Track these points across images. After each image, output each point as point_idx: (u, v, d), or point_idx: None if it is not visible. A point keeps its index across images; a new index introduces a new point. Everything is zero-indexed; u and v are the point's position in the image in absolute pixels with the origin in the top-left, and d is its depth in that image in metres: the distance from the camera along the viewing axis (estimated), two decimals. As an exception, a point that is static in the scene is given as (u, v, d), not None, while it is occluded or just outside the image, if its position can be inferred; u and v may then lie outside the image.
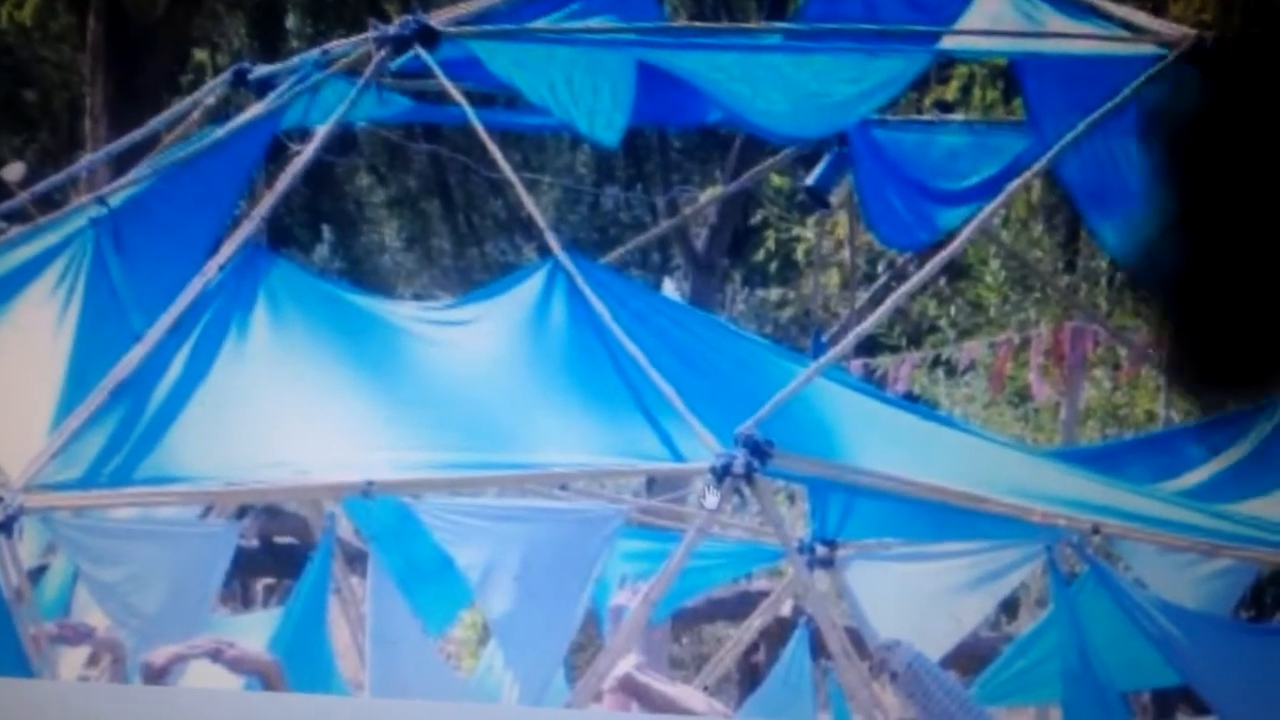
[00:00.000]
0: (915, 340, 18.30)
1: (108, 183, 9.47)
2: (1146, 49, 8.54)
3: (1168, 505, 8.15)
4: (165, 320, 7.75)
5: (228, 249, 8.01)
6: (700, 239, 22.46)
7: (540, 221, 8.50)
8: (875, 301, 12.13)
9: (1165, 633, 8.61)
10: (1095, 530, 7.85)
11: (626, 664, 7.56)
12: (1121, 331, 14.96)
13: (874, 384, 14.21)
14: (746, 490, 7.43)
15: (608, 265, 9.92)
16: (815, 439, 7.77)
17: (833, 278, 17.30)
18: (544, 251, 8.26)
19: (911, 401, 13.15)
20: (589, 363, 7.80)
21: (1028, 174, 8.84)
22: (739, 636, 10.97)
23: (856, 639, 8.96)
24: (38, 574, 8.51)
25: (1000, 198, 8.83)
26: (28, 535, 7.54)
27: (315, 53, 9.11)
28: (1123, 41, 8.68)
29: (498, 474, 7.85)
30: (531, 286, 8.01)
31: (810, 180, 10.49)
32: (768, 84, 8.86)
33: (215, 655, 7.31)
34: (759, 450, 7.32)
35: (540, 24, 8.75)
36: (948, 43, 9.08)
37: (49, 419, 7.80)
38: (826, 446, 7.81)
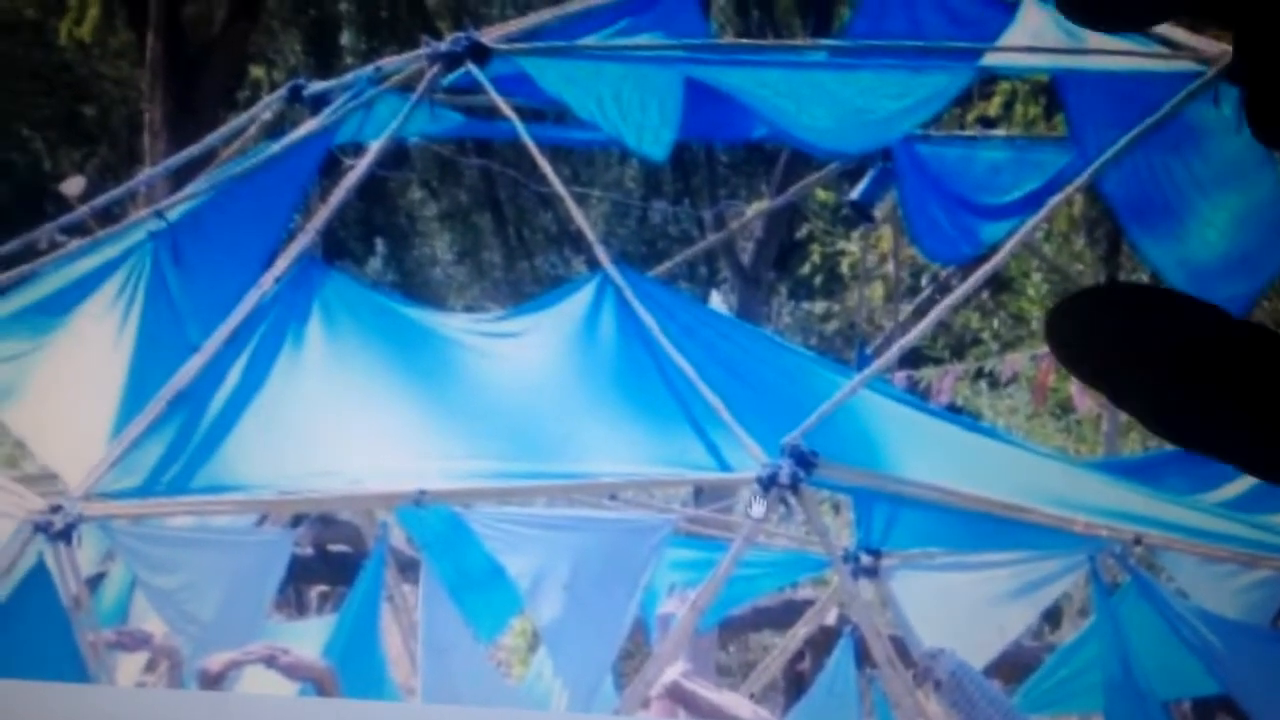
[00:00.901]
0: (958, 352, 18.32)
1: (166, 197, 9.60)
2: (1186, 65, 8.59)
3: (1208, 516, 8.18)
4: (222, 331, 7.86)
5: (283, 262, 8.12)
6: (747, 253, 22.53)
7: (589, 235, 8.58)
8: (919, 314, 12.19)
9: (1206, 642, 8.64)
10: (1137, 541, 7.89)
11: (674, 671, 7.62)
12: (1164, 344, 14.91)
13: (918, 396, 14.24)
14: (792, 500, 7.51)
15: (656, 278, 9.99)
16: (860, 450, 7.83)
17: (877, 291, 17.36)
18: (593, 264, 8.35)
19: (955, 413, 13.19)
20: (637, 374, 7.88)
21: (1069, 188, 8.89)
22: (785, 645, 11.01)
23: (901, 647, 8.99)
24: (96, 581, 8.62)
25: (1042, 212, 8.89)
26: (87, 543, 7.63)
27: (369, 69, 9.22)
28: (1162, 58, 8.73)
29: (547, 483, 7.93)
30: (581, 299, 8.10)
31: (855, 195, 10.57)
32: (813, 100, 8.93)
33: (270, 661, 7.39)
34: (804, 460, 7.40)
35: (589, 41, 8.85)
36: (990, 59, 9.13)
37: (108, 428, 7.91)
38: (871, 457, 7.87)
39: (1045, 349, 16.15)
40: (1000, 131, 15.01)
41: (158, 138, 17.97)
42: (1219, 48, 8.69)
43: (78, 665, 7.33)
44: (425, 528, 9.02)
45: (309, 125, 8.92)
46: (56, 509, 7.33)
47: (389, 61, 9.27)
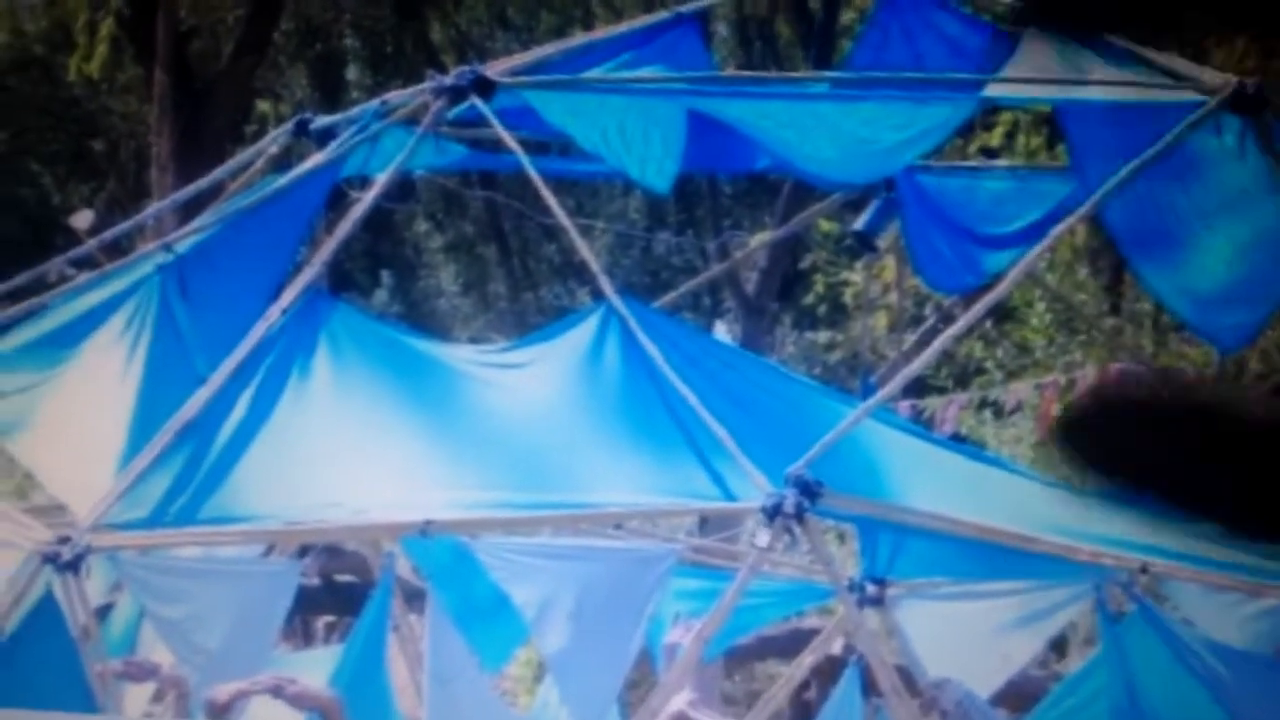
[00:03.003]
0: (962, 382, 18.34)
1: (174, 230, 9.64)
2: (1188, 95, 8.63)
3: (1214, 545, 8.15)
4: (229, 363, 7.88)
5: (290, 294, 8.14)
6: (751, 283, 22.58)
7: (594, 266, 8.59)
8: (922, 344, 12.20)
9: (1212, 671, 8.65)
10: (1143, 569, 7.91)
11: (680, 700, 7.64)
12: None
13: (922, 425, 14.27)
14: (797, 529, 7.51)
15: (660, 309, 10.00)
16: (864, 479, 7.85)
17: (881, 320, 17.38)
18: (597, 296, 8.36)
19: (959, 442, 13.21)
20: (642, 404, 7.90)
21: (1072, 218, 8.92)
22: (790, 674, 11.00)
23: (907, 677, 9.00)
24: (104, 612, 8.64)
25: (1045, 241, 8.90)
26: (95, 574, 7.66)
27: (375, 103, 9.24)
28: (1164, 88, 8.77)
29: (553, 513, 7.94)
30: (586, 330, 8.13)
31: (858, 225, 10.59)
32: (815, 131, 8.96)
33: (277, 692, 7.40)
34: (809, 490, 7.42)
35: (593, 74, 8.89)
36: (992, 90, 9.16)
37: (116, 460, 7.94)
38: (875, 486, 7.89)
39: (1049, 378, 16.22)
40: (1003, 162, 15.04)
41: (165, 172, 18.07)
42: (1221, 78, 8.74)
43: (86, 696, 7.35)
44: (431, 558, 9.05)
45: (315, 159, 8.94)
46: (65, 540, 7.35)
47: (395, 95, 9.29)
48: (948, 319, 14.99)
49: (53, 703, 7.08)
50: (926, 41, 9.66)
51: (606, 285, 8.23)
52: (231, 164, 9.88)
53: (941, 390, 17.69)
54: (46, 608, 7.32)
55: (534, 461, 7.87)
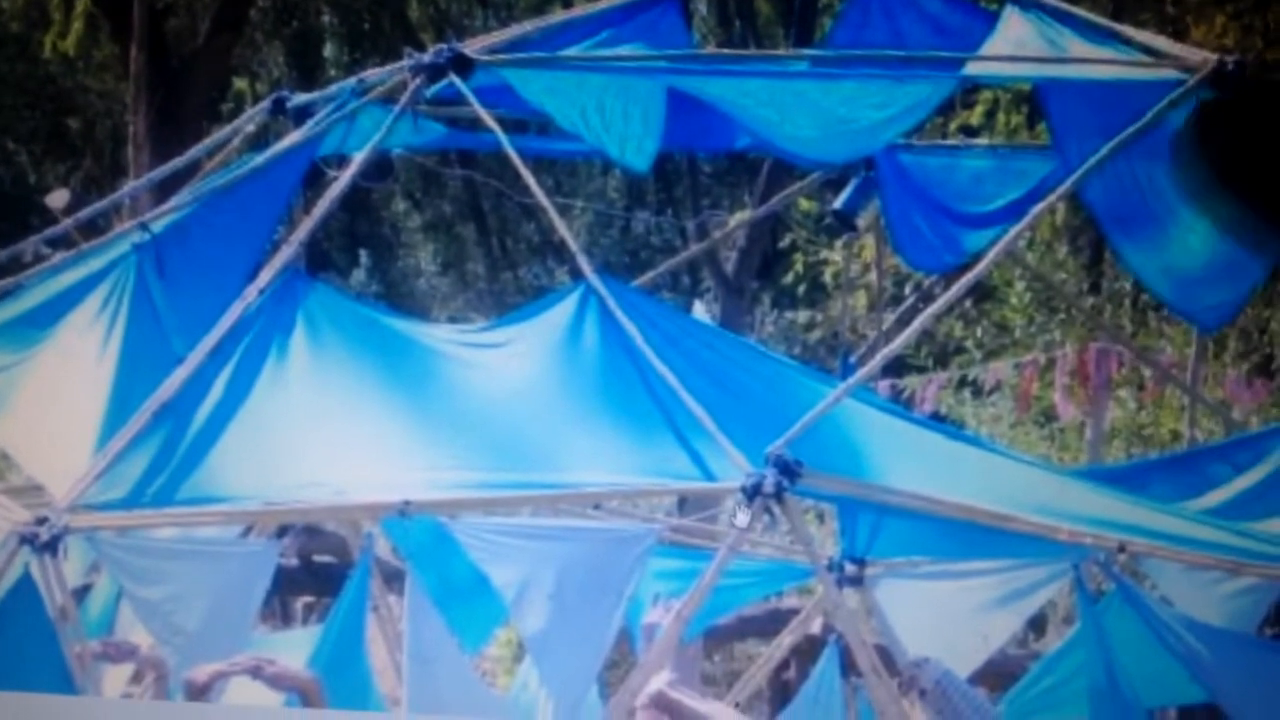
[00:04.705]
0: (942, 361, 18.35)
1: (150, 209, 9.58)
2: (1168, 73, 8.60)
3: (1193, 523, 8.18)
4: (207, 343, 7.84)
5: (267, 274, 8.09)
6: (730, 262, 22.57)
7: (572, 245, 8.55)
8: (902, 323, 12.25)
9: (1191, 650, 8.67)
10: (1121, 548, 7.86)
11: (659, 681, 7.61)
12: (1146, 352, 15.04)
13: (901, 404, 14.28)
14: (776, 509, 7.47)
15: (639, 288, 9.95)
16: (844, 458, 7.82)
17: (860, 300, 17.40)
18: (576, 275, 8.32)
19: (938, 421, 13.22)
20: (621, 384, 7.86)
21: (1052, 197, 8.88)
22: (770, 654, 11.02)
23: (886, 656, 8.97)
24: (82, 593, 8.62)
25: (1025, 220, 8.86)
26: (72, 554, 7.62)
27: (352, 81, 9.20)
28: (1144, 66, 8.74)
29: (532, 493, 7.90)
30: (564, 309, 8.08)
31: (838, 204, 10.56)
32: (795, 110, 8.93)
33: (256, 672, 7.40)
34: (788, 469, 7.38)
35: (572, 52, 8.85)
36: (972, 68, 9.14)
37: (93, 440, 7.89)
38: (855, 466, 7.85)
39: (1028, 357, 16.24)
40: (983, 140, 15.05)
41: (142, 150, 18.03)
42: (1201, 56, 8.72)
43: (64, 677, 7.32)
44: (410, 538, 9.02)
45: (292, 137, 8.90)
46: (42, 521, 7.32)
47: (372, 73, 9.25)
48: (927, 298, 15.03)
49: (30, 685, 7.04)
50: (907, 19, 9.63)
51: (585, 264, 8.18)
52: (208, 142, 9.82)
53: (921, 369, 17.69)
54: (24, 589, 7.29)
55: (513, 441, 7.83)
